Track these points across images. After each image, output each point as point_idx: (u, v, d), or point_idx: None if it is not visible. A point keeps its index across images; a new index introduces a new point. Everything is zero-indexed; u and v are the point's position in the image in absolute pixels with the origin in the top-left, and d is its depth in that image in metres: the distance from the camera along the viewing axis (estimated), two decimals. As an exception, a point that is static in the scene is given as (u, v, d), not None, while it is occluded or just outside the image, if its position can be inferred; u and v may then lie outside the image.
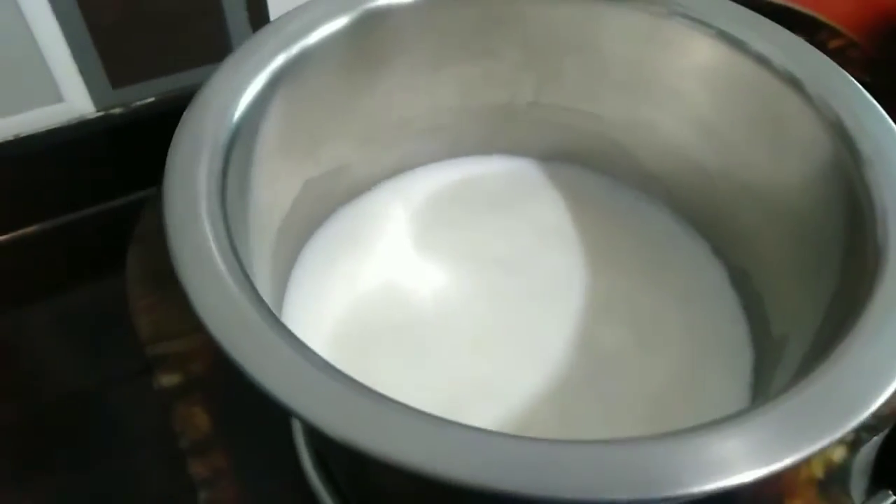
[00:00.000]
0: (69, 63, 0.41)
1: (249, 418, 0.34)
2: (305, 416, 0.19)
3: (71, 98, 0.43)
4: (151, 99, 0.45)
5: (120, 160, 0.46)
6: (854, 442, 0.35)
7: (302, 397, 0.19)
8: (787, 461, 0.19)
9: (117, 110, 0.44)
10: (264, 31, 0.28)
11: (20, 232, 0.45)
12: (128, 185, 0.46)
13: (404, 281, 0.33)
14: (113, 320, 0.41)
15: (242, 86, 0.26)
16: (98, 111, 0.44)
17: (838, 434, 0.20)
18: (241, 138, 0.25)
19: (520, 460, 0.19)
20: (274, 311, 0.22)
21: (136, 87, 0.44)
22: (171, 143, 0.24)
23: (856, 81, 0.28)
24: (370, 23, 0.30)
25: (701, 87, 0.32)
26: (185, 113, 0.25)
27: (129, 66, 0.43)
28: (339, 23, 0.29)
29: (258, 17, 0.45)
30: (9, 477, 0.40)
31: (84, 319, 0.45)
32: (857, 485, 0.35)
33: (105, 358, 0.43)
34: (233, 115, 0.25)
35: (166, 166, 0.24)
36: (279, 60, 0.27)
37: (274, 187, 0.29)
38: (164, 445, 0.35)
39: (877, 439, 0.35)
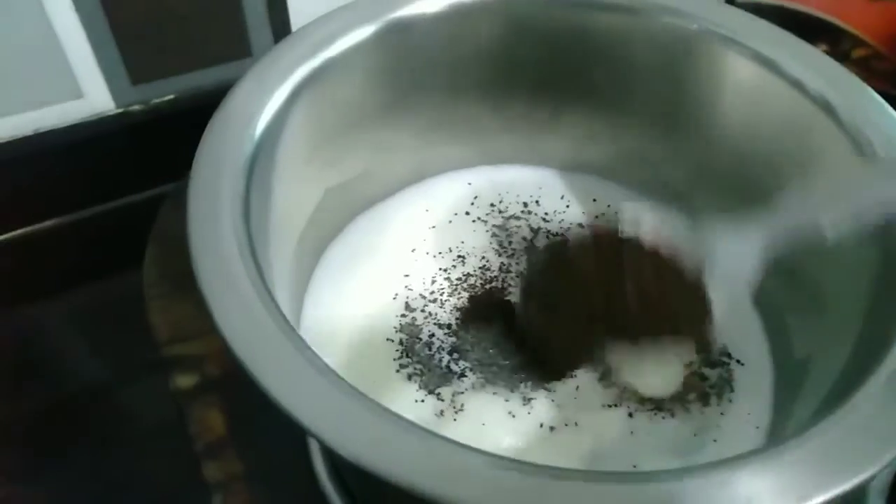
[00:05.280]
0: (90, 59, 0.41)
1: (265, 421, 0.34)
2: (318, 434, 0.19)
3: (90, 94, 0.43)
4: (171, 96, 0.45)
5: (139, 157, 0.46)
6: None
7: (316, 416, 0.19)
8: (816, 500, 0.19)
9: (137, 107, 0.44)
10: (286, 42, 0.27)
11: (38, 226, 0.45)
12: (146, 181, 0.46)
13: (423, 289, 0.33)
14: (131, 315, 0.41)
15: (265, 97, 0.25)
16: (117, 108, 0.44)
17: (869, 473, 0.19)
18: (265, 149, 0.25)
19: (533, 492, 0.18)
20: (292, 323, 0.22)
21: (156, 84, 0.44)
22: (196, 156, 0.24)
23: (890, 108, 0.27)
24: (394, 33, 0.30)
25: (732, 104, 0.31)
26: (207, 126, 0.24)
27: (149, 63, 0.43)
28: (363, 33, 0.29)
29: (278, 15, 0.45)
30: (24, 468, 0.40)
31: (102, 314, 0.45)
32: (875, 505, 0.34)
33: (122, 352, 0.43)
34: (256, 126, 0.25)
35: (190, 178, 0.24)
36: (302, 71, 0.27)
37: (297, 195, 0.29)
38: (178, 440, 0.35)
39: None
